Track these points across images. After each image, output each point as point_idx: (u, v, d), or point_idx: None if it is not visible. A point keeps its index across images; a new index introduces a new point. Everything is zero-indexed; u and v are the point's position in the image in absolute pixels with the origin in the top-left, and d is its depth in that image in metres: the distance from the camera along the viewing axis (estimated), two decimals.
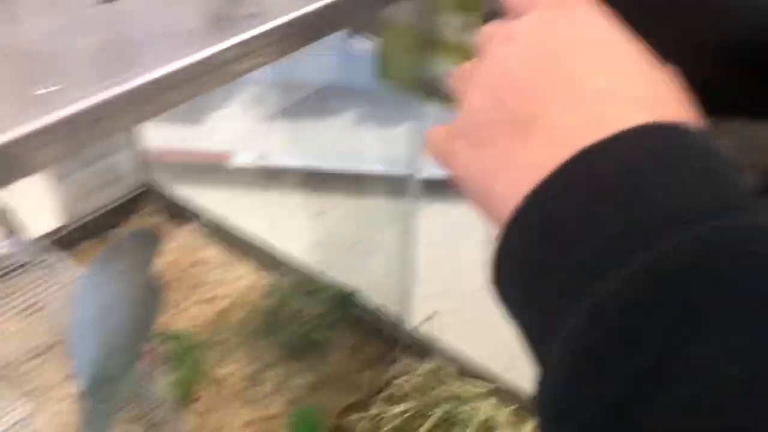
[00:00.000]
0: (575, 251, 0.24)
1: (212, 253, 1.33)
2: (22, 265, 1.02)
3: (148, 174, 1.42)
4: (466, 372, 1.12)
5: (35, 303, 1.00)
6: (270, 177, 1.80)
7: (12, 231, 1.00)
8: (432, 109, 1.12)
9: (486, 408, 1.04)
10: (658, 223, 0.22)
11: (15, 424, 0.82)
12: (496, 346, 1.18)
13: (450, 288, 1.45)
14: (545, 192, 0.25)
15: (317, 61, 1.93)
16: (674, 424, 0.20)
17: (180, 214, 1.40)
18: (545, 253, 0.25)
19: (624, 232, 0.23)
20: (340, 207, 1.78)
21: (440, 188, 1.65)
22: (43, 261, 1.02)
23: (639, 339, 0.21)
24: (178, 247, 1.34)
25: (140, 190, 1.40)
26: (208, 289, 1.26)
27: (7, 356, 1.05)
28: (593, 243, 0.23)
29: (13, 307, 1.04)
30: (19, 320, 1.05)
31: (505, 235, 0.26)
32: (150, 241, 1.00)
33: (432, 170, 1.61)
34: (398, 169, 1.60)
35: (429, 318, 1.17)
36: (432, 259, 1.53)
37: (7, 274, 1.03)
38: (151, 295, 0.94)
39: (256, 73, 0.55)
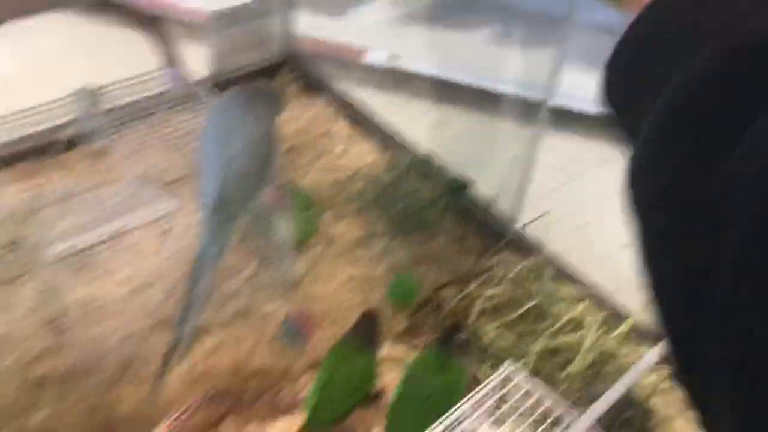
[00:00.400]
0: (668, 50, 0.28)
1: (340, 127, 1.40)
2: (175, 100, 1.13)
3: (291, 47, 1.49)
4: (563, 277, 1.15)
5: (185, 134, 1.10)
6: (399, 79, 1.84)
7: (173, 66, 1.10)
8: (576, 35, 1.11)
9: (577, 308, 1.07)
10: (738, 18, 0.26)
11: (161, 215, 0.93)
12: (595, 266, 1.20)
13: (560, 217, 1.45)
14: (647, 11, 0.30)
15: None
16: (743, 180, 0.23)
17: (314, 88, 1.47)
18: (644, 55, 0.29)
19: (709, 29, 0.26)
20: (464, 120, 1.80)
21: (566, 119, 1.63)
22: (195, 99, 1.11)
23: (716, 107, 0.24)
24: (309, 118, 1.42)
25: (282, 59, 1.47)
26: (332, 159, 1.33)
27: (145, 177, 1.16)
28: (682, 38, 0.27)
29: (163, 136, 1.14)
30: (165, 149, 1.16)
31: (613, 52, 0.31)
32: (275, 98, 1.05)
33: (564, 100, 1.59)
34: (531, 93, 1.60)
35: (538, 217, 1.19)
36: (547, 185, 1.53)
37: (162, 105, 1.14)
38: (272, 140, 0.99)
39: None
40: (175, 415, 0.89)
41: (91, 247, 0.98)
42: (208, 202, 0.92)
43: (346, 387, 0.88)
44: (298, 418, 0.96)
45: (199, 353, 1.03)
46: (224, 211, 0.92)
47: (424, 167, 1.24)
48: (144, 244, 1.09)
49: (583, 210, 1.46)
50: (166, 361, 0.97)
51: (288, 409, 1.00)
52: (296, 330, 1.05)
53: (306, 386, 1.02)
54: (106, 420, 0.91)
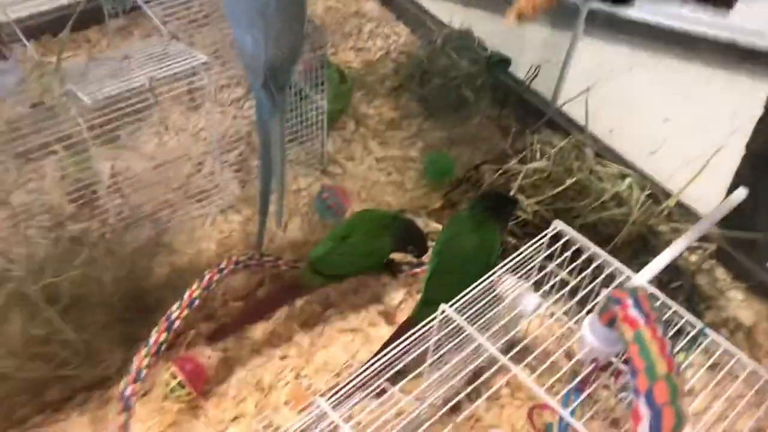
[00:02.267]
0: None
1: (372, 7, 1.34)
2: None
3: None
4: (605, 155, 1.10)
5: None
6: None
7: None
8: None
9: (623, 183, 1.03)
10: None
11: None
12: (636, 143, 1.15)
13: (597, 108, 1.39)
14: None
15: None
16: None
17: None
18: None
19: None
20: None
21: (600, 23, 1.55)
22: None
23: None
24: None
25: None
26: (364, 38, 1.28)
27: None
28: None
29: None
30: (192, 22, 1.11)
31: None
32: None
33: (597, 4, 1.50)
34: None
35: (580, 94, 1.13)
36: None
37: None
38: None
39: None
40: (208, 275, 0.86)
41: (123, 107, 0.92)
42: (257, 73, 0.85)
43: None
44: None
45: (235, 224, 1.00)
46: (275, 79, 0.86)
47: (461, 41, 1.17)
48: (171, 119, 1.05)
49: (617, 106, 1.40)
50: (260, 233, 0.94)
51: None
52: (331, 203, 1.02)
53: None
54: (138, 285, 0.90)
